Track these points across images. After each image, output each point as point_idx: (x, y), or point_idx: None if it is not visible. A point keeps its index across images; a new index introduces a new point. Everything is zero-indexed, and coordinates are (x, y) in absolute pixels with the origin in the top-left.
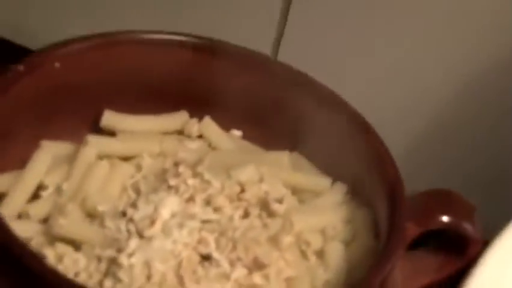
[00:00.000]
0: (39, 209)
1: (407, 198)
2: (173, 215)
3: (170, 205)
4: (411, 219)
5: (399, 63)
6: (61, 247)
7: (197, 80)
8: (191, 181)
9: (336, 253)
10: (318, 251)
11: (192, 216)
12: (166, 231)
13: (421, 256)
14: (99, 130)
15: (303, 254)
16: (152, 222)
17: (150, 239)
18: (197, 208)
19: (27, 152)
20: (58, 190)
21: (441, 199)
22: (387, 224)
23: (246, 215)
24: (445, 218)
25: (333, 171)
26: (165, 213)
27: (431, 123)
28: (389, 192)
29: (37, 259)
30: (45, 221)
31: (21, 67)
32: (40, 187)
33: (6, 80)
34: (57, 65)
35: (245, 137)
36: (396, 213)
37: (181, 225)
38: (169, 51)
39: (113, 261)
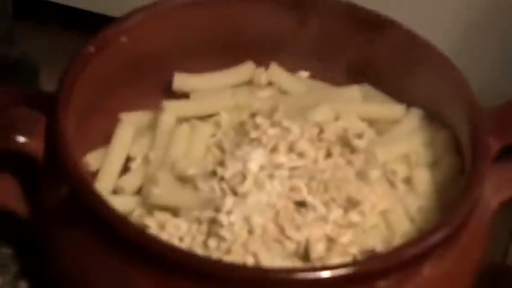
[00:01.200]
0: (131, 181)
1: (484, 114)
2: (261, 168)
3: (257, 158)
4: (492, 134)
5: None
6: (161, 215)
7: (255, 28)
8: (271, 131)
9: (423, 178)
10: (405, 178)
11: (279, 166)
12: (258, 184)
13: (503, 168)
14: (172, 94)
15: (392, 184)
16: (244, 178)
17: (245, 194)
18: (282, 157)
19: (109, 127)
20: (146, 160)
21: None
22: (470, 143)
23: (328, 155)
24: None
25: (405, 99)
26: (254, 167)
27: None
28: (466, 111)
29: (141, 231)
30: (138, 192)
31: (91, 48)
32: (128, 159)
33: (78, 64)
34: (123, 39)
35: (312, 76)
36: (478, 132)
37: (271, 177)
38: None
39: (213, 221)
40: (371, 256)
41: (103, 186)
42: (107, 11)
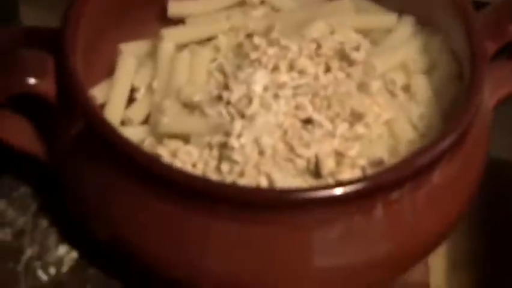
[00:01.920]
0: (138, 111)
1: (477, 17)
2: (265, 89)
3: (260, 80)
4: (487, 37)
5: None
6: (172, 143)
7: None
8: (270, 50)
9: (421, 85)
10: (404, 86)
11: (283, 85)
12: (264, 106)
13: (499, 67)
14: (168, 21)
15: (392, 94)
16: (250, 101)
17: (252, 116)
18: (284, 76)
19: (111, 59)
20: (150, 89)
21: (510, 10)
22: (466, 48)
23: (327, 69)
24: None
25: (396, 7)
26: (258, 88)
27: None
28: (459, 15)
29: (155, 160)
30: (146, 121)
31: None
32: (132, 90)
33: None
34: None
35: None
36: (474, 36)
37: (276, 96)
38: None
39: (224, 146)
40: (383, 170)
41: (111, 118)
42: None
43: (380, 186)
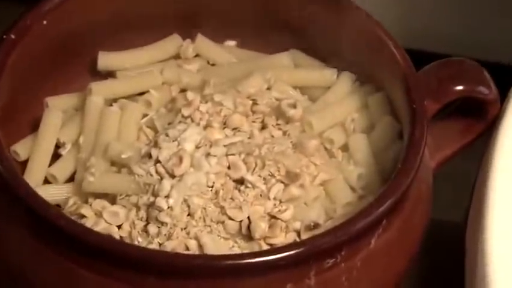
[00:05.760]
0: (63, 169)
1: (418, 75)
2: (197, 147)
3: (191, 137)
4: (428, 96)
5: None
6: (97, 203)
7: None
8: (203, 107)
9: (360, 144)
10: (342, 146)
11: (215, 143)
12: (195, 165)
13: (442, 127)
14: (98, 74)
15: (329, 153)
16: (180, 160)
17: (182, 176)
18: (217, 133)
19: (38, 114)
20: (76, 145)
21: (451, 69)
22: (406, 108)
23: (263, 126)
24: (460, 87)
25: (335, 63)
26: (189, 147)
27: None
28: (399, 72)
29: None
30: (71, 179)
31: (11, 36)
32: (57, 146)
33: (2, 52)
34: (44, 22)
35: (240, 45)
36: (414, 96)
37: (207, 155)
38: None
39: (152, 206)
40: (318, 235)
41: (34, 175)
42: None
43: (314, 252)
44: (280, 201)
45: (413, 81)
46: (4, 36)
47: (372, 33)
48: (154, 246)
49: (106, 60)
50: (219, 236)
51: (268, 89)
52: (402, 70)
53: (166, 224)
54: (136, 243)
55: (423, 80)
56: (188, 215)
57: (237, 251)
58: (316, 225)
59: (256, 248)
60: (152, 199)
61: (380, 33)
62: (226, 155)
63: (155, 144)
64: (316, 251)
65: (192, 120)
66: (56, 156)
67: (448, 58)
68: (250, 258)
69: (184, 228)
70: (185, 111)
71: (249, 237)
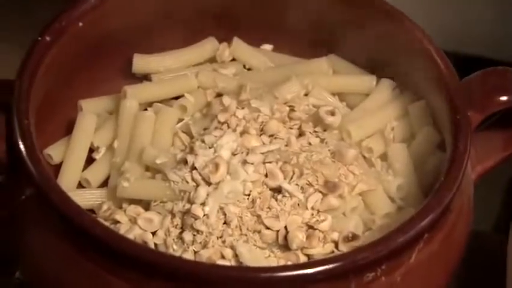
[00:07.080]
0: (97, 173)
1: (462, 85)
2: (233, 154)
3: (227, 144)
4: (471, 107)
5: None
6: (131, 209)
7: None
8: (240, 113)
9: (400, 154)
10: (381, 155)
11: (252, 151)
12: (232, 173)
13: (484, 138)
14: (132, 77)
15: (368, 162)
16: (217, 167)
17: (218, 184)
18: (254, 140)
19: (70, 116)
20: (110, 149)
21: (495, 79)
22: (449, 119)
23: (300, 133)
24: (504, 98)
25: (375, 70)
26: (225, 154)
27: None
28: (441, 81)
29: (109, 232)
30: (105, 183)
31: (47, 38)
32: (91, 150)
33: (36, 56)
34: (80, 24)
35: (277, 49)
36: (458, 107)
37: (244, 163)
38: None
39: (187, 214)
40: (359, 248)
41: (67, 180)
42: None
43: (354, 266)
44: (318, 211)
45: (457, 91)
46: (39, 38)
47: (414, 39)
48: (189, 254)
49: (141, 63)
50: (255, 245)
51: (305, 95)
52: (444, 79)
53: (202, 232)
54: (171, 250)
55: (467, 90)
56: (224, 223)
57: (273, 260)
58: (354, 236)
59: (293, 259)
60: (187, 206)
61: (422, 38)
62: (263, 162)
63: (191, 151)
64: (356, 265)
65: (228, 126)
66: (89, 161)
67: (492, 68)
68: (288, 271)
69: (220, 237)
70: (222, 117)
71: (285, 247)
